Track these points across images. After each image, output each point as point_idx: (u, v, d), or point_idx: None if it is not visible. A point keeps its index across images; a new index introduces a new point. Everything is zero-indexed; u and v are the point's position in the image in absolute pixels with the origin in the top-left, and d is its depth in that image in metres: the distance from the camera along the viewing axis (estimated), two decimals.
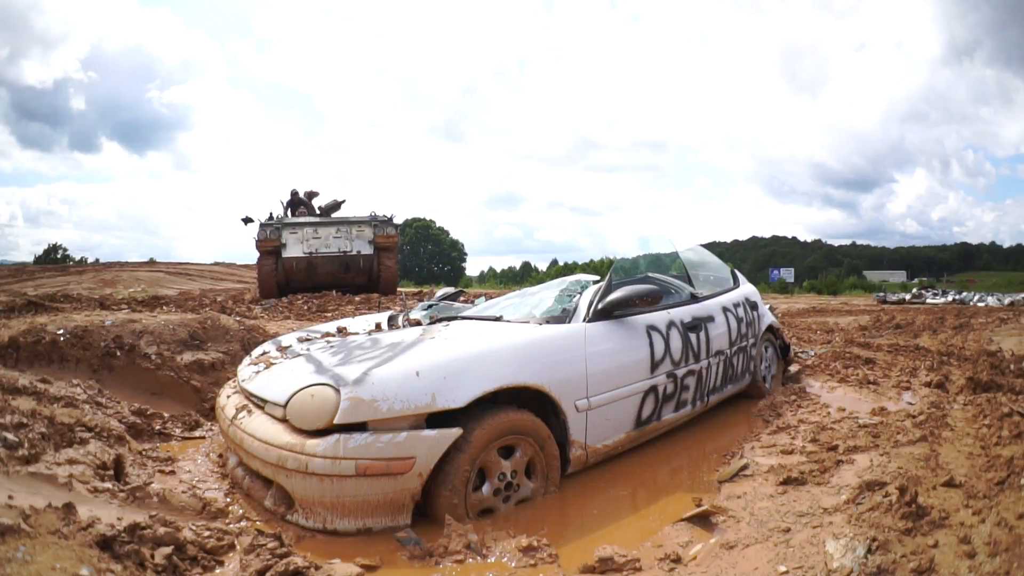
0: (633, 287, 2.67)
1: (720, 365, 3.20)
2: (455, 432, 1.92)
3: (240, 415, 2.18)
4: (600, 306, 2.59)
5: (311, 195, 11.57)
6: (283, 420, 1.99)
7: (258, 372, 2.42)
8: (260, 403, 2.18)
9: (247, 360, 2.75)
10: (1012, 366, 4.36)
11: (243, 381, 2.42)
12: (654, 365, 2.68)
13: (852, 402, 3.57)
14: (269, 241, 9.55)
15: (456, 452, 1.93)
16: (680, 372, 2.83)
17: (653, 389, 2.67)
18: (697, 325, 3.06)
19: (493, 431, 2.01)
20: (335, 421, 1.84)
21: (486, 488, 2.05)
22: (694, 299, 3.33)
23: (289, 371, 2.28)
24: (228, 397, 2.43)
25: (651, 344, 2.68)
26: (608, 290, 2.65)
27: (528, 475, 2.17)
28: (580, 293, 2.79)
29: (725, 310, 3.43)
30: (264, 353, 2.76)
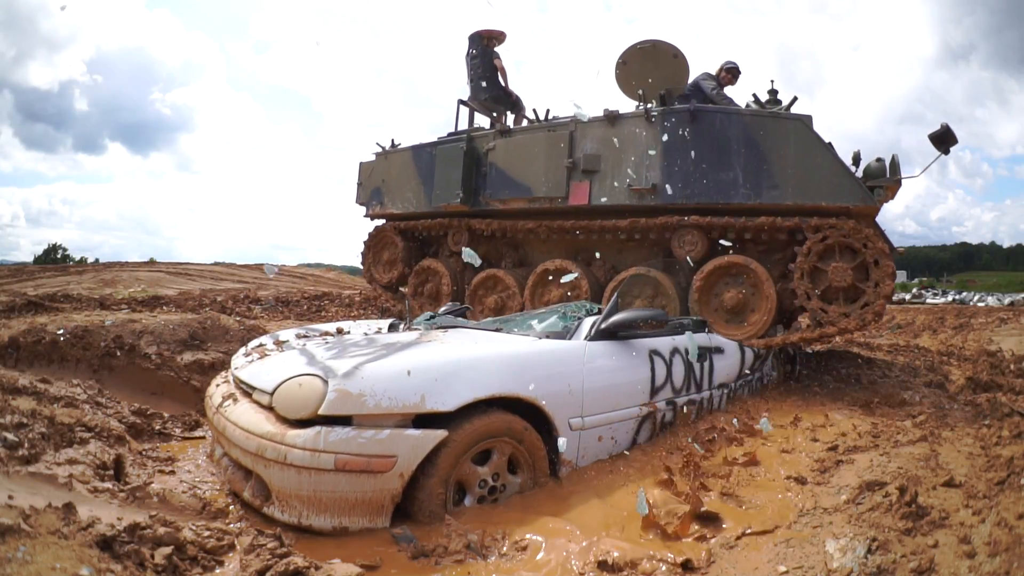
0: (639, 310, 2.68)
1: (723, 399, 3.19)
2: (440, 434, 1.88)
3: (226, 403, 2.15)
4: (604, 326, 2.58)
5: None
6: (268, 408, 1.97)
7: (251, 361, 2.39)
8: (248, 390, 2.16)
9: (242, 350, 2.74)
10: (1012, 366, 4.37)
11: (235, 369, 2.40)
12: (654, 390, 2.65)
13: (852, 402, 3.58)
14: None
15: (425, 479, 1.88)
16: (681, 401, 2.81)
17: (651, 415, 2.64)
18: (703, 355, 3.03)
19: (459, 446, 1.93)
20: (320, 412, 1.81)
21: (468, 501, 2.01)
22: (703, 327, 3.36)
23: (281, 361, 2.25)
24: (217, 386, 2.40)
25: (653, 369, 2.66)
26: (613, 310, 2.64)
27: (512, 471, 2.13)
28: (585, 316, 2.81)
29: (741, 345, 3.46)
30: (260, 345, 2.74)
